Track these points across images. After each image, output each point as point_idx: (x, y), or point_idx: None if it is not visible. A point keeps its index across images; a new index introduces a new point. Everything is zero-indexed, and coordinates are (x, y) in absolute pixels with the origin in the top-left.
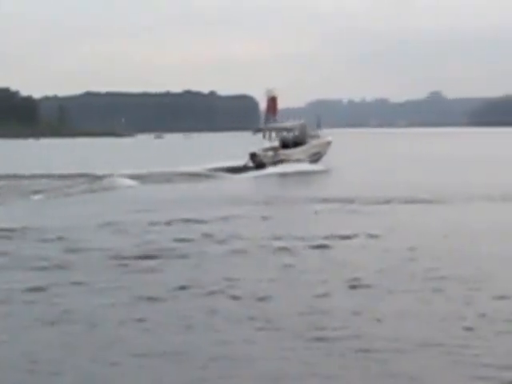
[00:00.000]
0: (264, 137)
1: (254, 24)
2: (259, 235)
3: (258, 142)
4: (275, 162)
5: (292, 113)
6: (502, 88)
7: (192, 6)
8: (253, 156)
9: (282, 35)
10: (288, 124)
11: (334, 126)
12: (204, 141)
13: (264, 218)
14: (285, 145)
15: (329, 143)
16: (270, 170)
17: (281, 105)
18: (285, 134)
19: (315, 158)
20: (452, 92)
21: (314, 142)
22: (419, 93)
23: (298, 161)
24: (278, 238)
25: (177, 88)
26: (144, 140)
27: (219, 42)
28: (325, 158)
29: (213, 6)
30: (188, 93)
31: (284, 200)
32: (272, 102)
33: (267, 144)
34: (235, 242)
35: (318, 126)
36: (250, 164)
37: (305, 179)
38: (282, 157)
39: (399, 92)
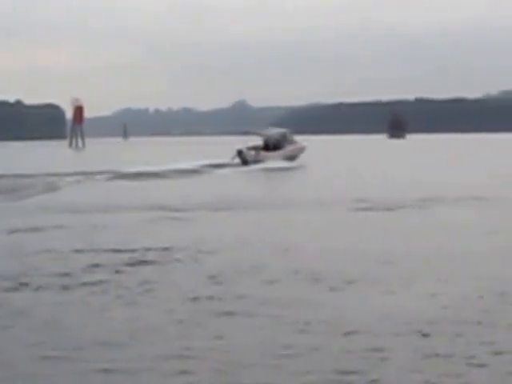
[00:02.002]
0: (70, 145)
1: (63, 34)
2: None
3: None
4: (256, 161)
5: (99, 121)
6: (304, 97)
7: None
8: (239, 153)
9: (91, 47)
10: (273, 131)
11: (141, 134)
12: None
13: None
14: (267, 147)
15: (302, 148)
16: (252, 166)
17: (88, 114)
18: (266, 138)
19: (289, 159)
20: (257, 101)
21: (289, 147)
22: (225, 102)
23: (274, 161)
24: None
25: None
26: None
27: (27, 52)
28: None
29: (21, 16)
30: None
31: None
32: (78, 111)
33: (251, 143)
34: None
35: (125, 135)
36: (236, 160)
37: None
38: (262, 157)
39: (205, 101)
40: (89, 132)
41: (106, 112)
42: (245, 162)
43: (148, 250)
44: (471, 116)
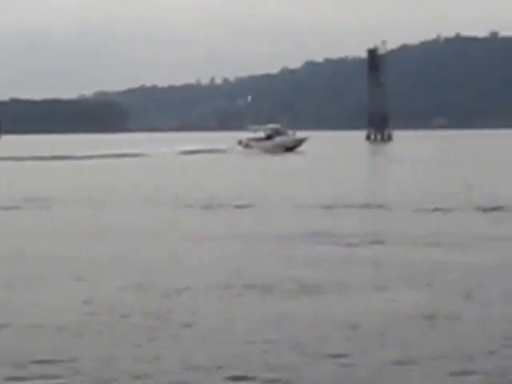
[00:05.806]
0: None
1: None
2: None
3: None
4: (247, 146)
5: None
6: None
7: None
8: (240, 142)
9: None
10: (266, 127)
11: None
12: None
13: None
14: (261, 138)
15: (298, 140)
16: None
17: None
18: (261, 132)
19: (282, 148)
20: None
21: (278, 139)
22: None
23: (260, 148)
24: None
25: None
26: None
27: None
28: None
29: None
30: None
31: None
32: None
33: (252, 135)
34: None
35: None
36: (237, 146)
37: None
38: (251, 144)
39: None
40: None
41: None
42: (244, 147)
43: None
44: (67, 116)
